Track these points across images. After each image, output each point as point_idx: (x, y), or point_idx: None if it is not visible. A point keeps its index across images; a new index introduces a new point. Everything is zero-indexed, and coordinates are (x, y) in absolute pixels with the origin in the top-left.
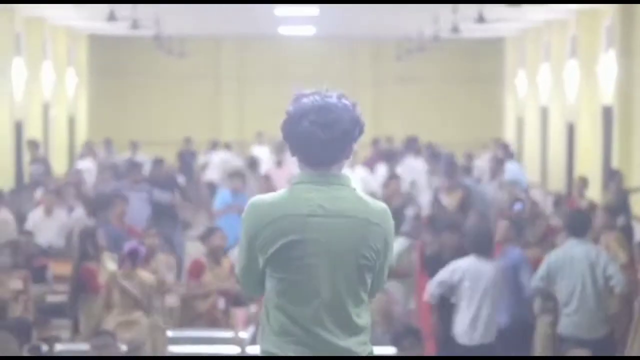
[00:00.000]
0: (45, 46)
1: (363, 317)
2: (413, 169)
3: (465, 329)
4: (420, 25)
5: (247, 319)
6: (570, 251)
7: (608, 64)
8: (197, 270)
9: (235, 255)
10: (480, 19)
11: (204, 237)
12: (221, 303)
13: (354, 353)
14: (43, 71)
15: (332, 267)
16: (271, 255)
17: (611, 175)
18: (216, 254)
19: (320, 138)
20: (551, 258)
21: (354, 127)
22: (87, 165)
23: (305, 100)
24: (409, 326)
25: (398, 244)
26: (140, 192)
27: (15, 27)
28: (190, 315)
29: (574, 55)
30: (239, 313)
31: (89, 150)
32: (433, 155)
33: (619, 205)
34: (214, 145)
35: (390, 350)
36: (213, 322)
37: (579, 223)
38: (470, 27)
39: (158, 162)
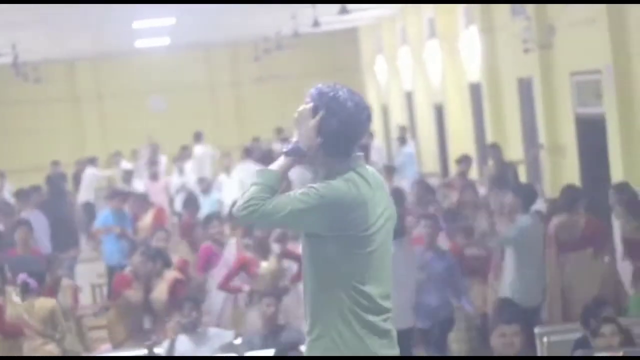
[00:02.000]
0: None
1: None
2: None
3: None
4: (278, 24)
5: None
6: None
7: (470, 41)
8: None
9: None
10: (344, 11)
11: None
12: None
13: None
14: None
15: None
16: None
17: (490, 150)
18: None
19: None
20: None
21: None
22: None
23: (356, 95)
24: None
25: None
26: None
27: None
28: None
29: (433, 36)
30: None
31: None
32: None
33: (502, 179)
34: (82, 164)
35: None
36: None
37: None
38: (328, 20)
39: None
